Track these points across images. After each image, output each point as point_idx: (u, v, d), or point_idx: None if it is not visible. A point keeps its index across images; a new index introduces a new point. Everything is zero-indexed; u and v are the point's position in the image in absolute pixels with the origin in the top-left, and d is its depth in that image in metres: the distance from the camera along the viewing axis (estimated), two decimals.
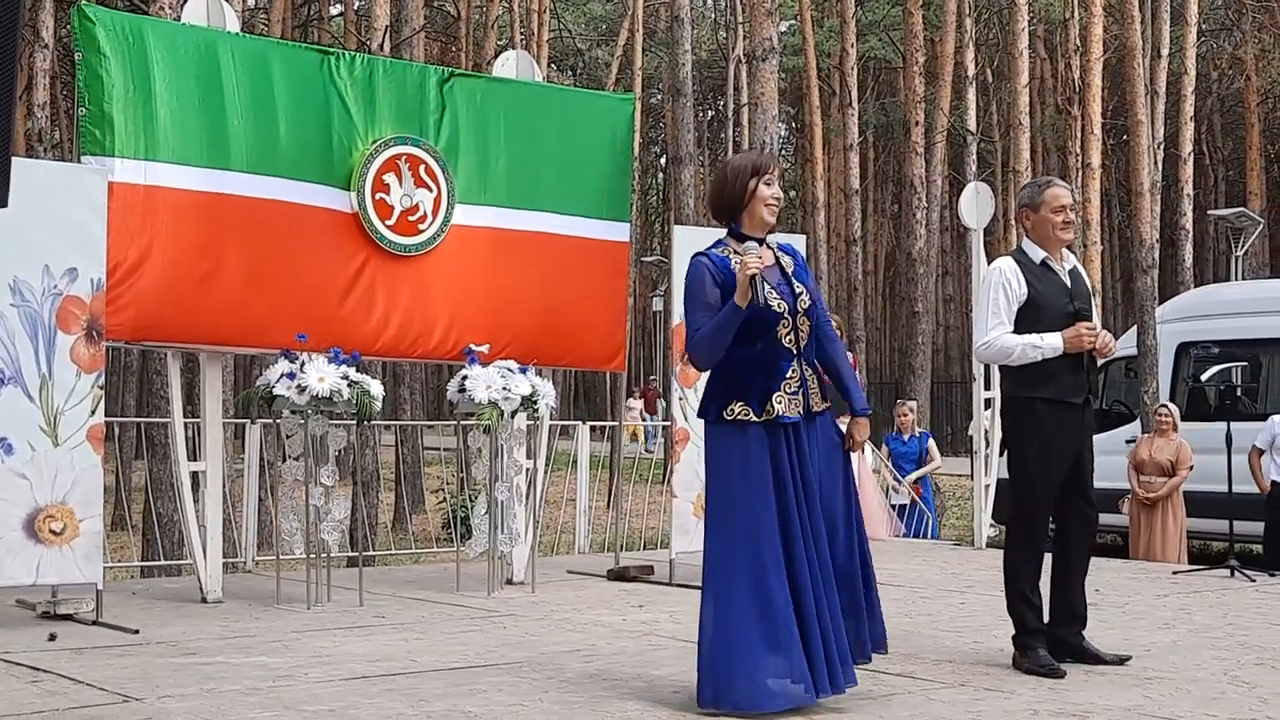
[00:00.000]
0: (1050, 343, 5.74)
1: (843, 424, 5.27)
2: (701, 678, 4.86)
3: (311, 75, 7.85)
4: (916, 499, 13.23)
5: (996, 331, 5.80)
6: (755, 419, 4.88)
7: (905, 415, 13.80)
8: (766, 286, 4.89)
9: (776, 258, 5.10)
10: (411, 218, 8.08)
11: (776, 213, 5.06)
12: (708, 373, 5.05)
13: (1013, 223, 28.82)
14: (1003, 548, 6.02)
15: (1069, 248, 6.05)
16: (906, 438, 13.57)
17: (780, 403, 4.90)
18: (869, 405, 5.41)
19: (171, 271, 7.29)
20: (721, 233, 5.19)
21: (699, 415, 5.10)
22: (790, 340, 4.97)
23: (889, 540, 12.03)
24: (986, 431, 11.19)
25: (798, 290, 5.04)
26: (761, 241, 5.06)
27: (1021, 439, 5.88)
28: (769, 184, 5.03)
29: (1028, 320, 5.80)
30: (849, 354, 11.59)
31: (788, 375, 4.93)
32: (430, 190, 8.16)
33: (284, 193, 7.69)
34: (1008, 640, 6.34)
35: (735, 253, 4.98)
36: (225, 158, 7.50)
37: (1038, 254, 5.91)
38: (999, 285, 5.83)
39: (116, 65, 7.18)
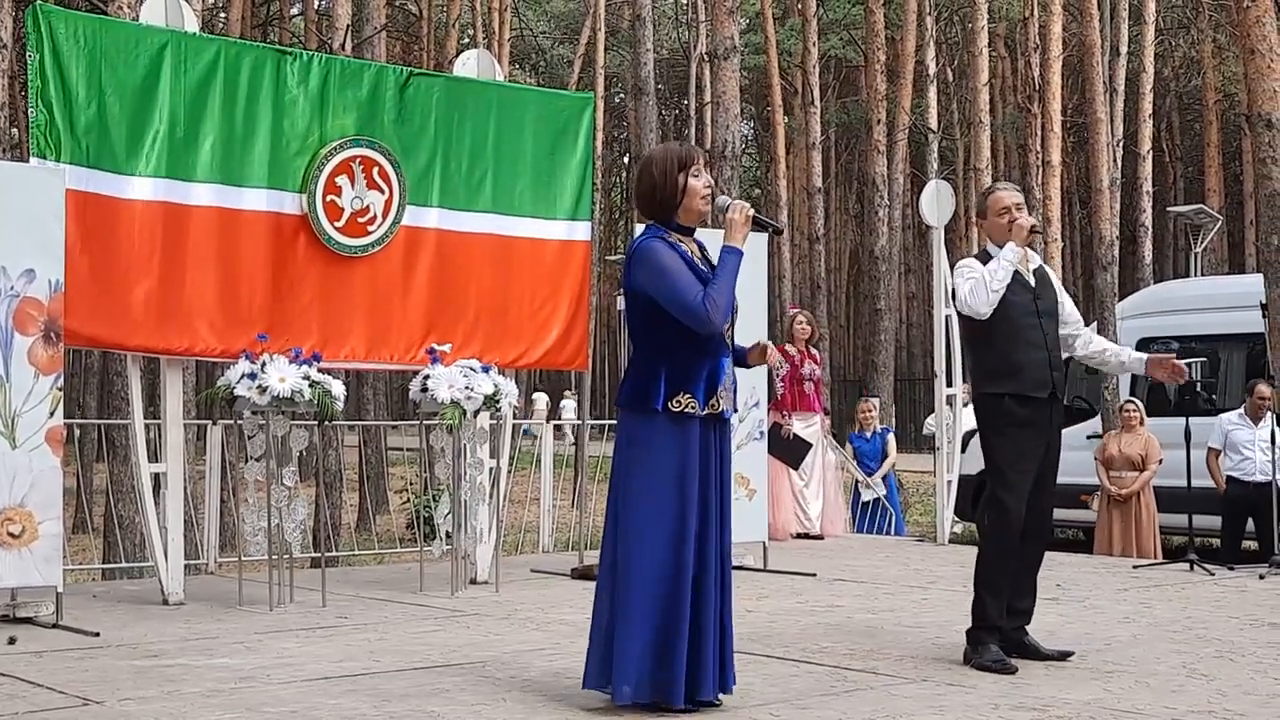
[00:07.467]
0: (1005, 255, 5.85)
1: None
2: (626, 675, 4.71)
3: (268, 76, 7.77)
4: (880, 496, 13.27)
5: (968, 279, 5.88)
6: (700, 412, 4.78)
7: (868, 413, 13.72)
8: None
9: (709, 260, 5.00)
10: (361, 219, 8.01)
11: (709, 201, 4.90)
12: (640, 359, 4.85)
13: (974, 220, 29.02)
14: (976, 543, 6.04)
15: (1032, 247, 6.12)
16: (869, 435, 13.56)
17: (723, 398, 4.84)
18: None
19: (116, 281, 7.21)
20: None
21: (625, 403, 4.84)
22: (729, 338, 4.93)
23: (849, 536, 12.08)
24: (949, 427, 11.24)
25: None
26: (691, 233, 4.95)
27: (992, 434, 5.95)
28: (697, 175, 4.87)
29: (995, 316, 5.86)
30: (814, 351, 11.72)
31: (726, 371, 4.87)
32: (382, 192, 8.09)
33: (234, 199, 7.62)
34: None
35: (725, 199, 4.89)
36: (175, 164, 7.42)
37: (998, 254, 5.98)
38: (969, 263, 5.97)
39: (66, 67, 7.08)
